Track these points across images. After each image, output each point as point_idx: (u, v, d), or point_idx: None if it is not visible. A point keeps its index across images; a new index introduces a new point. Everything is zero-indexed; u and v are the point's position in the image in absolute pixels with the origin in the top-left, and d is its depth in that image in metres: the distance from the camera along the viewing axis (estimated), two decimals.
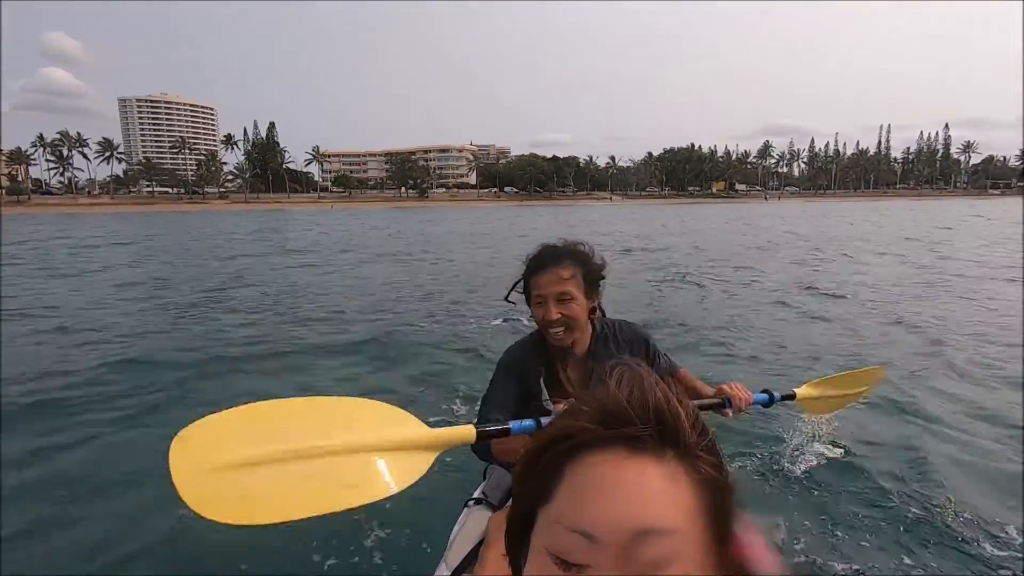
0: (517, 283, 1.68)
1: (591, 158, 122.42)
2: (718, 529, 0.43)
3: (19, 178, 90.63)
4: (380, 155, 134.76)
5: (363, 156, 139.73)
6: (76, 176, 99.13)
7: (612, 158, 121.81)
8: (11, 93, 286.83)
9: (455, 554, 1.46)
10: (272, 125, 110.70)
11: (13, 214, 57.03)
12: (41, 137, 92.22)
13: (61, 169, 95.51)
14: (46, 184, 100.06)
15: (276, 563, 2.43)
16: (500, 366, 1.71)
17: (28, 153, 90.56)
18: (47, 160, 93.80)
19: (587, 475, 0.43)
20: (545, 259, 1.60)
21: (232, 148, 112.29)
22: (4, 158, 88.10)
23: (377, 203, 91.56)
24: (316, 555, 2.47)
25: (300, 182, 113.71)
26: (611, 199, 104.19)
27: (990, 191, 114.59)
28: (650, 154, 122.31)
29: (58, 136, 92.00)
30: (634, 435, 0.43)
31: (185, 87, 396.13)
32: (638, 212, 53.24)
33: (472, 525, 1.54)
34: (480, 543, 1.44)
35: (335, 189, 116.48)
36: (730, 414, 1.58)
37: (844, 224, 29.27)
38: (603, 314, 1.76)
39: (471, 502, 1.68)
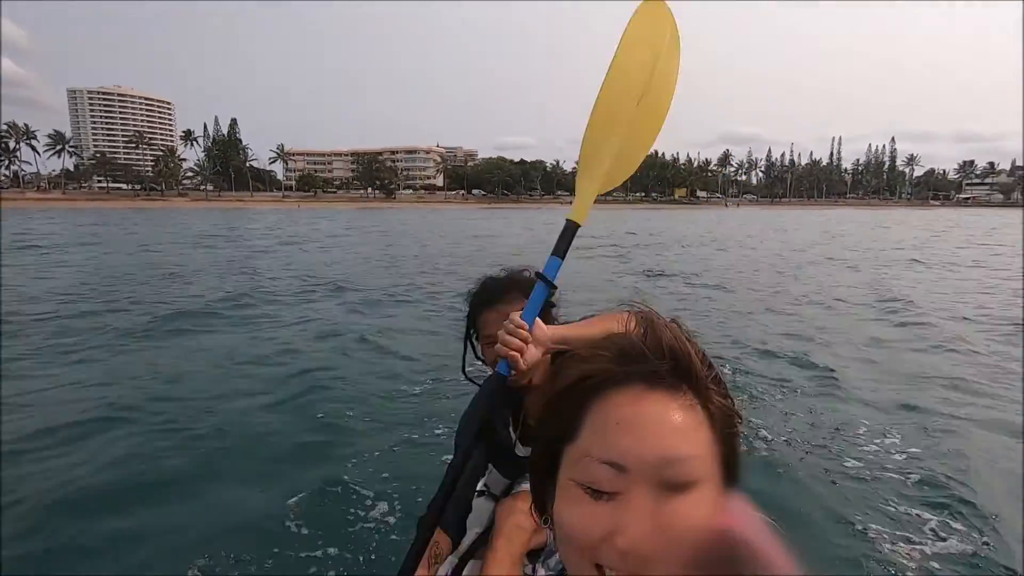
0: (468, 336, 1.51)
1: (558, 162, 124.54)
2: (729, 452, 0.49)
3: None
4: (346, 155, 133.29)
5: (329, 156, 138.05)
6: (23, 170, 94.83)
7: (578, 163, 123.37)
8: None
9: (463, 541, 1.54)
10: (234, 122, 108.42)
11: None
12: None
13: (7, 162, 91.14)
14: None
15: (287, 558, 2.55)
16: (459, 436, 1.55)
17: None
18: None
19: (612, 411, 0.46)
20: (489, 295, 1.46)
21: (191, 144, 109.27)
22: None
23: (343, 203, 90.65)
24: (328, 545, 2.62)
25: (263, 181, 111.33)
26: (571, 203, 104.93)
27: (931, 202, 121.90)
28: None
29: (4, 127, 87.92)
30: (651, 371, 0.47)
31: (140, 80, 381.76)
32: (597, 215, 54.63)
33: (476, 515, 1.61)
34: (484, 531, 1.52)
35: (308, 190, 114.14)
36: (521, 367, 1.11)
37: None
38: None
39: (474, 495, 1.71)
